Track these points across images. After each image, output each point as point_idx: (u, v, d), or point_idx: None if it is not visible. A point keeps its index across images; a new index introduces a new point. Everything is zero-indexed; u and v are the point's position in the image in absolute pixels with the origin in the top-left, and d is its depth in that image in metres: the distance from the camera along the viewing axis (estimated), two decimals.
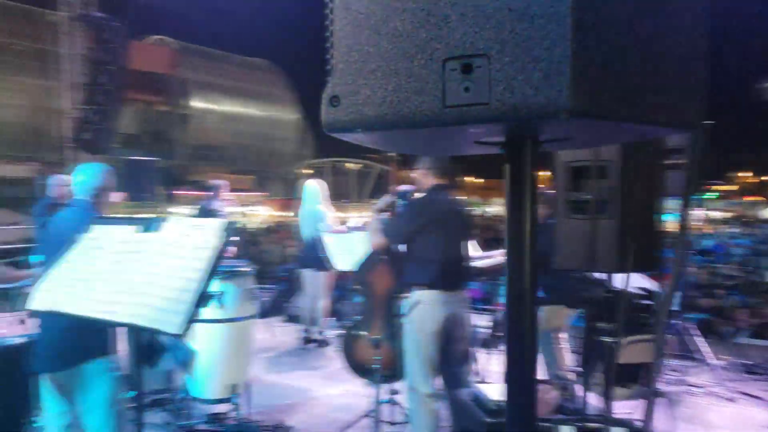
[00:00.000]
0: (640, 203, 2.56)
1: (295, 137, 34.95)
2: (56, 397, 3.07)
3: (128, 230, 2.02)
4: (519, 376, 0.90)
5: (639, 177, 2.53)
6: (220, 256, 1.83)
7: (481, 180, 42.42)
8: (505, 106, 0.60)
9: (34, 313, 3.13)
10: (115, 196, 6.67)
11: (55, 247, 2.52)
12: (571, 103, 0.58)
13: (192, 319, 1.74)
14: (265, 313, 7.69)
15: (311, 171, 34.60)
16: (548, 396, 3.47)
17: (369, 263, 3.71)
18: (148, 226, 2.02)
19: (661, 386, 3.61)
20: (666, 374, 4.79)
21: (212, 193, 7.03)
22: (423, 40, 0.63)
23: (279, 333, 6.98)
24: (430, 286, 3.37)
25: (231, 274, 3.41)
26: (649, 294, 4.10)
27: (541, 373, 4.19)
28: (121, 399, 3.13)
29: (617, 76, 0.63)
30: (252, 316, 3.57)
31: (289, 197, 31.19)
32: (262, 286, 8.51)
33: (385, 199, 3.69)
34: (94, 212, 3.08)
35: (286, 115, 33.68)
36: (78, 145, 10.38)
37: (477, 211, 26.00)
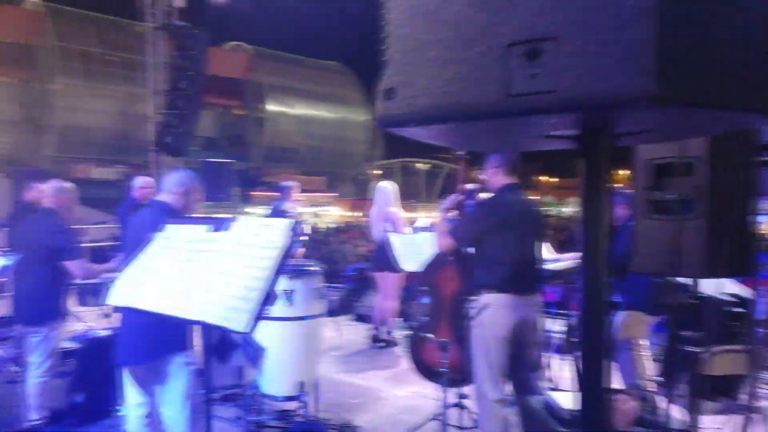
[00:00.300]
0: (731, 203, 2.36)
1: (366, 138, 35.29)
2: (136, 388, 3.21)
3: (200, 230, 2.07)
4: (592, 384, 0.83)
5: (730, 174, 2.33)
6: (286, 255, 1.83)
7: (556, 179, 41.20)
8: (576, 93, 0.53)
9: (117, 308, 3.27)
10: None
11: (133, 245, 2.62)
12: (654, 88, 0.50)
13: (258, 318, 1.75)
14: (334, 312, 7.78)
15: (380, 172, 34.84)
16: (627, 407, 3.28)
17: (436, 264, 3.65)
18: (219, 225, 2.05)
19: (755, 401, 3.34)
20: (761, 388, 4.44)
21: (283, 194, 7.17)
22: (484, 25, 0.57)
23: (348, 332, 7.03)
24: (500, 289, 3.27)
25: (300, 273, 3.44)
26: (741, 301, 3.80)
27: (619, 383, 3.98)
28: (196, 393, 3.24)
29: (707, 57, 0.55)
30: (320, 315, 3.60)
31: (359, 198, 31.59)
32: (332, 285, 8.62)
33: (452, 199, 3.61)
34: (174, 213, 3.18)
35: (357, 116, 34.06)
36: (160, 149, 10.89)
37: (551, 211, 25.28)
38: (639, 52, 0.52)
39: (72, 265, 3.85)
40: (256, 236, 1.90)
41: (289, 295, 3.33)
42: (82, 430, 4.12)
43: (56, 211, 4.03)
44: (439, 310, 3.68)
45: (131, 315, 3.21)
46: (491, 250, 3.29)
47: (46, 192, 4.08)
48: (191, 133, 10.65)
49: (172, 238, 2.14)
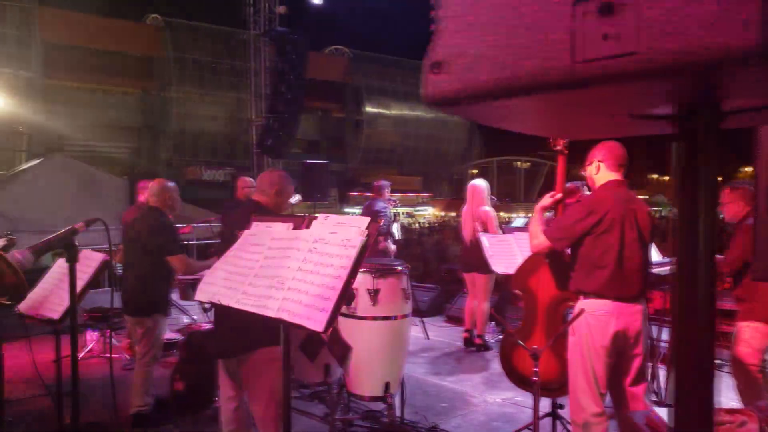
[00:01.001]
0: None
1: (462, 137, 34.92)
2: (228, 380, 3.30)
3: (282, 227, 2.07)
4: (689, 400, 0.70)
5: None
6: (362, 254, 1.78)
7: (666, 177, 38.63)
8: (662, 54, 0.42)
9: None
10: (293, 198, 7.10)
11: (226, 243, 2.69)
12: (765, 39, 0.38)
13: (335, 316, 1.72)
14: (425, 313, 7.72)
15: (477, 170, 34.31)
16: (745, 429, 2.94)
17: (530, 267, 3.47)
18: (299, 223, 2.04)
19: None
20: None
21: (376, 194, 7.18)
22: None
23: (440, 334, 6.93)
24: (600, 294, 3.04)
25: (385, 272, 3.40)
26: None
27: (738, 402, 3.60)
28: (284, 389, 3.28)
29: None
30: (406, 316, 3.53)
31: (455, 197, 31.31)
32: (424, 285, 8.55)
33: (548, 197, 3.41)
34: (267, 211, 3.25)
35: (453, 116, 33.80)
36: (261, 151, 11.33)
37: (662, 211, 23.69)
38: None
39: (174, 260, 4.04)
40: (333, 234, 1.86)
41: (373, 294, 3.30)
42: (182, 419, 4.32)
43: (160, 209, 4.26)
44: (533, 316, 3.50)
45: (223, 309, 3.32)
46: (590, 251, 3.07)
47: (150, 191, 4.32)
48: (291, 135, 10.99)
49: (257, 235, 2.16)
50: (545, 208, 3.35)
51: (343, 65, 32.14)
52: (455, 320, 7.40)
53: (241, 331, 3.15)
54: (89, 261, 2.91)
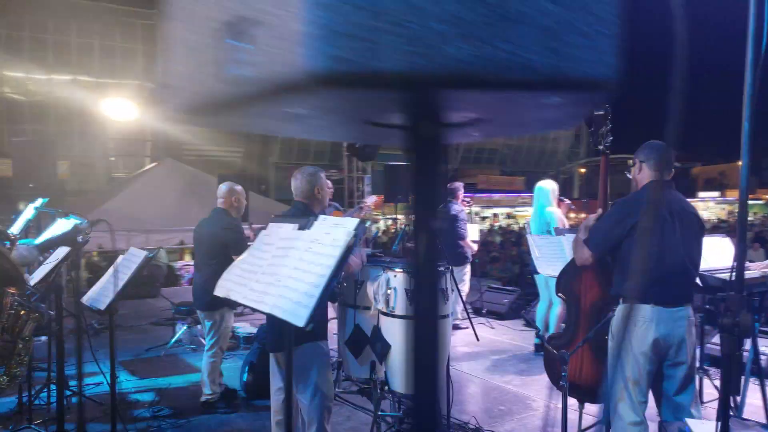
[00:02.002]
0: None
1: (569, 134, 33.58)
2: (277, 374, 3.50)
3: (289, 228, 2.20)
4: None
5: None
6: (346, 253, 1.86)
7: None
8: (269, 74, 0.46)
9: None
10: (368, 199, 7.25)
11: None
12: (314, 68, 0.42)
13: (315, 313, 1.81)
14: (505, 315, 7.59)
15: (585, 169, 32.81)
16: None
17: (573, 270, 3.35)
18: (304, 224, 2.16)
19: None
20: None
21: (450, 196, 7.17)
22: (198, 5, 0.53)
23: (515, 337, 6.80)
24: (641, 299, 2.90)
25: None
26: None
27: None
28: (329, 382, 3.42)
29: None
30: (445, 316, 3.54)
31: (560, 197, 30.09)
32: (506, 288, 8.41)
33: (593, 218, 3.28)
34: (309, 212, 3.42)
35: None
36: (349, 152, 11.64)
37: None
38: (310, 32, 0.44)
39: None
40: (326, 235, 1.96)
41: (412, 293, 3.34)
42: (247, 408, 4.60)
43: (226, 210, 4.57)
44: (577, 321, 3.39)
45: None
46: (629, 255, 2.94)
47: (218, 193, 4.64)
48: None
49: (270, 235, 2.31)
50: (599, 218, 3.24)
51: None
52: (533, 324, 7.22)
53: (284, 325, 3.33)
54: (133, 257, 3.22)
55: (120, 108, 19.90)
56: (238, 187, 4.68)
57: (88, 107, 22.03)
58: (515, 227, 20.99)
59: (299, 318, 1.80)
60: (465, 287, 7.06)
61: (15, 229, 5.17)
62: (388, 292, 3.36)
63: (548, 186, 5.81)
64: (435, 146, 0.65)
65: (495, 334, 6.93)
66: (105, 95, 21.39)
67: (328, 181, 7.20)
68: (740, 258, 2.01)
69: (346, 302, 3.72)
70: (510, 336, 6.84)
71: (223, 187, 4.64)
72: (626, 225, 2.93)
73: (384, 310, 3.42)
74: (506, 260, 12.70)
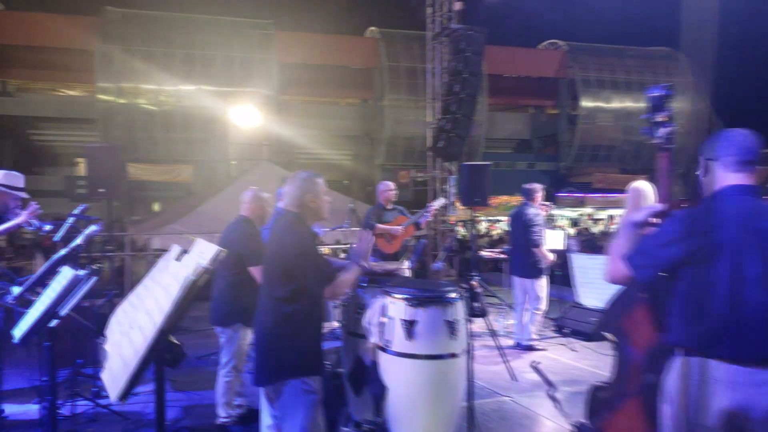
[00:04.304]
0: None
1: (702, 128, 30.25)
2: (268, 408, 3.05)
3: (172, 254, 1.70)
4: None
5: None
6: (183, 302, 1.33)
7: None
8: None
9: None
10: (437, 202, 6.60)
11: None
12: None
13: (131, 387, 1.30)
14: (592, 336, 6.61)
15: None
16: None
17: (622, 302, 2.55)
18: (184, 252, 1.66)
19: None
20: None
21: (526, 198, 6.35)
22: None
23: (598, 364, 5.83)
24: (705, 351, 2.07)
25: (426, 301, 2.78)
26: None
27: None
28: (318, 427, 2.92)
29: None
30: (454, 355, 2.85)
31: (689, 198, 27.17)
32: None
33: (644, 210, 2.46)
34: (298, 224, 2.94)
35: (688, 105, 29.50)
36: (434, 153, 11.04)
37: None
38: None
39: (256, 271, 3.94)
40: (177, 270, 1.44)
41: (409, 326, 2.71)
42: None
43: (248, 219, 4.22)
44: (627, 368, 2.57)
45: (257, 333, 3.07)
46: (690, 289, 2.12)
47: (243, 199, 4.30)
48: (465, 136, 10.49)
49: (165, 260, 1.83)
50: (638, 225, 2.41)
51: (558, 60, 30.27)
52: None
53: (272, 358, 2.88)
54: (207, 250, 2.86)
55: (242, 114, 20.88)
56: (266, 196, 4.34)
57: (211, 115, 23.37)
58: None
59: (114, 392, 1.29)
60: (542, 304, 6.21)
61: (58, 235, 5.20)
62: (383, 321, 2.76)
63: (640, 187, 4.75)
64: None
65: (575, 359, 6.02)
66: (226, 103, 22.56)
67: (391, 183, 6.71)
68: None
69: (348, 329, 3.17)
70: (593, 362, 5.90)
71: (248, 194, 4.31)
72: (685, 247, 2.10)
73: (379, 343, 2.82)
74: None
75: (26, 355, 4.45)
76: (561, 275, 7.08)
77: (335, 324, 6.40)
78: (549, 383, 3.25)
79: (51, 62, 24.73)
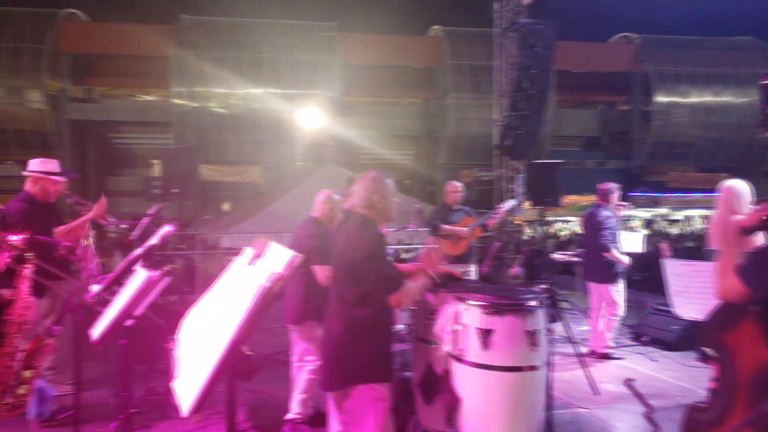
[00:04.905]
0: None
1: None
2: (336, 414, 3.00)
3: (244, 259, 1.64)
4: None
5: None
6: (256, 314, 1.25)
7: None
8: None
9: None
10: (506, 204, 6.40)
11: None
12: None
13: (201, 403, 1.23)
14: (673, 345, 6.22)
15: None
16: None
17: (726, 315, 2.30)
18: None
19: None
20: None
21: (601, 198, 6.04)
22: None
23: (681, 376, 5.46)
24: None
25: (504, 309, 2.62)
26: None
27: None
28: (387, 430, 2.83)
29: None
30: (534, 368, 2.67)
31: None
32: None
33: (756, 213, 2.21)
34: (367, 226, 2.86)
35: None
36: (502, 152, 10.77)
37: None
38: None
39: (319, 270, 3.92)
40: (252, 273, 1.37)
41: (484, 335, 2.56)
42: None
43: (318, 219, 4.22)
44: (731, 388, 2.32)
45: (325, 337, 3.02)
46: None
47: (316, 201, 4.33)
48: (533, 134, 10.17)
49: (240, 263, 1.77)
50: (747, 229, 2.17)
51: (630, 54, 29.04)
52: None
53: (341, 363, 2.81)
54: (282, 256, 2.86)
55: (307, 116, 21.26)
56: (336, 197, 4.35)
57: (278, 117, 23.94)
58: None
59: (184, 406, 1.23)
60: (618, 310, 5.89)
61: (134, 234, 5.35)
62: (456, 329, 2.63)
63: (735, 187, 4.29)
64: None
65: (655, 369, 5.66)
66: (292, 105, 23.04)
67: (459, 184, 6.55)
68: None
69: (417, 335, 3.06)
70: (675, 374, 5.52)
71: (321, 195, 4.36)
72: None
73: (452, 352, 2.69)
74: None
75: (104, 349, 4.59)
76: (640, 279, 6.72)
77: (401, 327, 6.31)
78: (646, 404, 3.02)
79: (130, 69, 26.02)
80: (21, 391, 2.01)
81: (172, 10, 25.22)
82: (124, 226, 4.89)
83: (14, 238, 2.74)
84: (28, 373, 2.07)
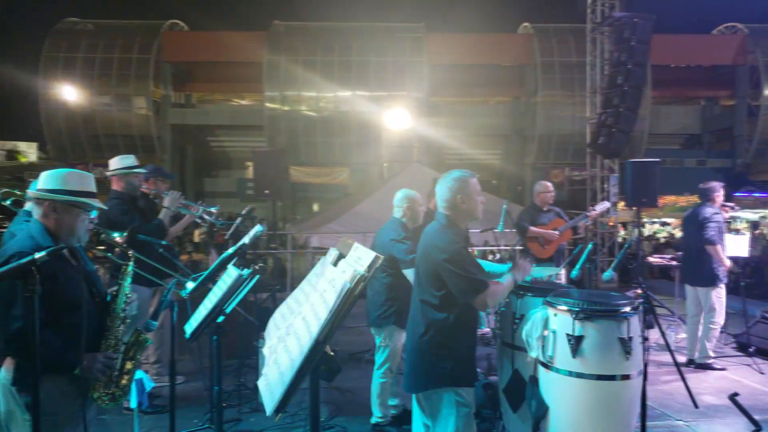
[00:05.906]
0: None
1: None
2: (419, 414, 2.99)
3: (329, 259, 1.66)
4: None
5: None
6: (341, 310, 1.26)
7: None
8: None
9: None
10: (599, 206, 6.17)
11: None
12: None
13: (285, 403, 1.25)
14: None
15: None
16: None
17: None
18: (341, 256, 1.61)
19: None
20: None
21: (703, 198, 5.65)
22: None
23: None
24: None
25: (596, 314, 2.48)
26: None
27: None
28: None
29: None
30: (627, 377, 2.51)
31: None
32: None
33: None
34: (451, 226, 2.83)
35: None
36: (594, 150, 10.35)
37: None
38: None
39: (408, 273, 3.91)
40: (342, 273, 1.38)
41: (575, 342, 2.45)
42: None
43: (400, 220, 4.22)
44: None
45: (407, 339, 3.01)
46: None
47: (394, 201, 4.32)
48: (628, 131, 9.69)
49: (323, 264, 1.79)
50: None
51: (736, 45, 26.95)
52: None
53: (423, 365, 2.80)
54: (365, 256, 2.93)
55: (394, 118, 21.47)
56: (415, 194, 4.29)
57: (366, 119, 24.33)
58: None
59: (269, 405, 1.26)
60: (717, 317, 5.49)
61: (228, 233, 5.60)
62: (545, 335, 2.54)
63: None
64: None
65: (762, 383, 5.23)
66: (380, 107, 23.34)
67: (549, 184, 6.35)
68: None
69: (503, 340, 2.98)
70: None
71: (399, 194, 4.30)
72: None
73: (540, 359, 2.60)
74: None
75: (197, 344, 4.84)
76: (745, 286, 6.22)
77: (486, 330, 6.20)
78: (753, 421, 2.79)
79: (226, 75, 27.34)
80: (123, 381, 2.17)
81: (265, 16, 26.25)
82: (219, 224, 5.14)
83: (116, 236, 2.95)
84: (129, 365, 2.22)
